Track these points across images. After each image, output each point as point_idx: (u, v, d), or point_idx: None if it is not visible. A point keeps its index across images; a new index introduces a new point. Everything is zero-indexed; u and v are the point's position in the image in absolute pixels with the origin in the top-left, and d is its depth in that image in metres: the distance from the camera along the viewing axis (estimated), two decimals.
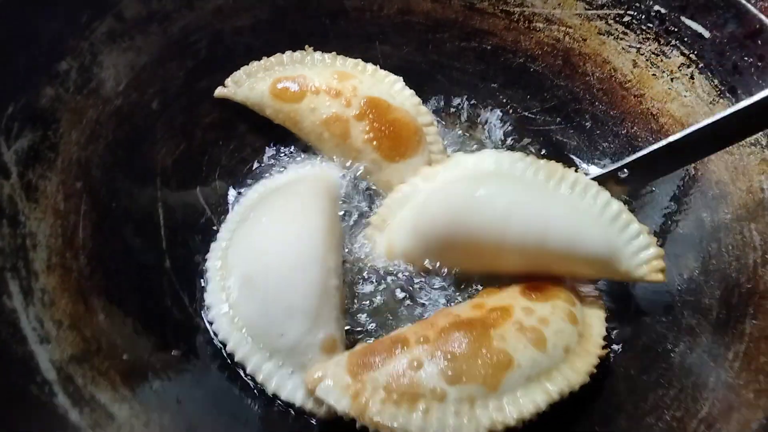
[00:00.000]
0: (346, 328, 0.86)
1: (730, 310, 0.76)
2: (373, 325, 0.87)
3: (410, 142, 0.97)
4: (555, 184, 0.86)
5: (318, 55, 1.06)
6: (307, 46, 1.06)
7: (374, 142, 0.95)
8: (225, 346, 0.81)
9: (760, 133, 0.84)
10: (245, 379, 0.81)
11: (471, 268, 0.89)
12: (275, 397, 0.78)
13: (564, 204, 0.83)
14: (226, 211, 0.96)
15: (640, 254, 0.80)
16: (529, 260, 0.82)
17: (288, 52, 1.05)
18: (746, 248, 0.80)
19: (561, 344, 0.74)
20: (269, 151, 1.04)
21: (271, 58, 1.04)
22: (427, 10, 1.08)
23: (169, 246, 0.89)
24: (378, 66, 1.06)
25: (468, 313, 0.78)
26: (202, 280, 0.88)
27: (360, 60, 1.06)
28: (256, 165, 1.03)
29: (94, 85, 0.90)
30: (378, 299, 0.90)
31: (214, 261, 0.87)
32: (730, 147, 0.87)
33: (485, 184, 0.85)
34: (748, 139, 0.85)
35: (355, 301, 0.89)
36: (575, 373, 0.73)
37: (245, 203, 0.94)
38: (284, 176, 0.98)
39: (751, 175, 0.83)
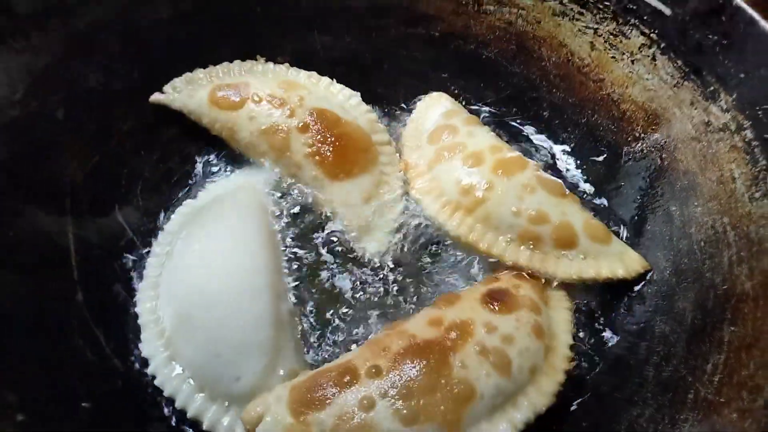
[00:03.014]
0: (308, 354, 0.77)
1: (705, 315, 0.70)
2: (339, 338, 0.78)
3: (358, 159, 0.87)
4: None
5: (269, 65, 0.97)
6: (258, 56, 0.98)
7: (316, 157, 0.85)
8: (174, 402, 0.71)
9: (728, 116, 0.77)
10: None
11: None
12: None
13: None
14: (152, 232, 0.85)
15: None
16: None
17: (237, 62, 0.96)
18: (720, 245, 0.74)
19: (527, 366, 0.68)
20: (200, 160, 0.94)
21: (217, 67, 0.96)
22: None
23: (81, 276, 0.77)
24: (332, 80, 0.97)
25: (424, 332, 0.69)
26: (127, 315, 0.78)
27: (315, 73, 0.97)
28: (185, 176, 0.92)
29: None
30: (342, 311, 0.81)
31: (145, 303, 0.77)
32: (697, 133, 0.81)
33: None
34: (716, 125, 0.79)
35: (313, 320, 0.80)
36: (541, 395, 0.68)
37: (170, 230, 0.83)
38: (209, 192, 0.88)
39: (722, 164, 0.77)
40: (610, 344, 0.78)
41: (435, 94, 0.99)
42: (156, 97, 0.92)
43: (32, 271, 0.74)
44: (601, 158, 0.90)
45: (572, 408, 0.71)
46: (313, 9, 1.00)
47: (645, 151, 0.87)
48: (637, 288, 0.81)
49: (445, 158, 0.87)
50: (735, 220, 0.73)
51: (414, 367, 0.65)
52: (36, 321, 0.70)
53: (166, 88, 0.93)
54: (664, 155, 0.84)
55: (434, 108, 0.96)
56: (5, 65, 0.80)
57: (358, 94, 0.95)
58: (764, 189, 0.71)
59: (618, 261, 0.79)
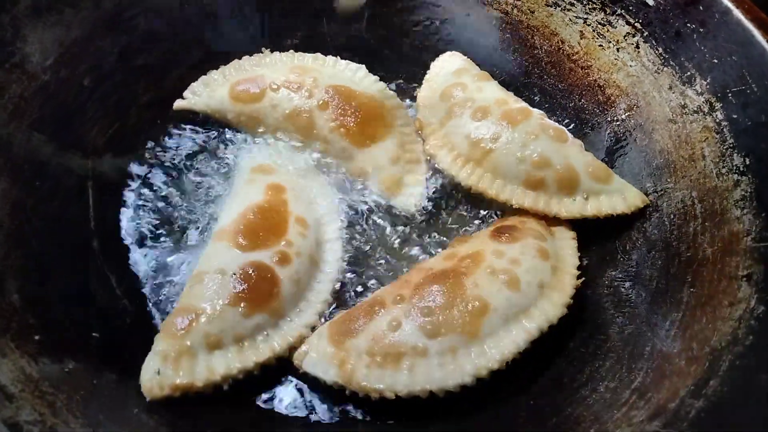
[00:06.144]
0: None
1: (669, 280, 0.74)
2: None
3: (379, 125, 0.93)
4: None
5: (276, 55, 1.03)
6: (264, 49, 1.03)
7: (341, 129, 0.91)
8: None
9: (702, 99, 0.82)
10: None
11: None
12: None
13: None
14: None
15: None
16: None
17: (245, 57, 1.02)
18: (687, 216, 0.78)
19: (535, 281, 0.74)
20: (211, 131, 1.01)
21: (229, 65, 1.01)
22: None
23: (97, 226, 0.85)
24: (338, 58, 1.02)
25: (440, 265, 0.77)
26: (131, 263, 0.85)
27: (319, 54, 1.03)
28: (196, 145, 0.99)
29: (17, 59, 0.86)
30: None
31: None
32: (674, 115, 0.86)
33: None
34: (691, 107, 0.84)
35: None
36: (553, 306, 0.74)
37: None
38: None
39: (694, 143, 0.82)
40: (580, 308, 0.81)
41: (447, 54, 1.04)
42: (179, 103, 0.98)
43: (58, 221, 0.82)
44: (585, 139, 0.94)
45: (538, 362, 0.75)
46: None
47: (626, 133, 0.92)
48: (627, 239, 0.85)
49: (456, 114, 0.92)
50: (702, 194, 0.78)
51: (433, 290, 0.72)
52: (58, 262, 0.78)
53: (186, 93, 0.99)
54: (642, 136, 0.89)
55: (446, 67, 1.01)
56: (40, 36, 0.88)
57: (363, 66, 1.00)
58: (729, 165, 0.76)
59: (619, 197, 0.84)
